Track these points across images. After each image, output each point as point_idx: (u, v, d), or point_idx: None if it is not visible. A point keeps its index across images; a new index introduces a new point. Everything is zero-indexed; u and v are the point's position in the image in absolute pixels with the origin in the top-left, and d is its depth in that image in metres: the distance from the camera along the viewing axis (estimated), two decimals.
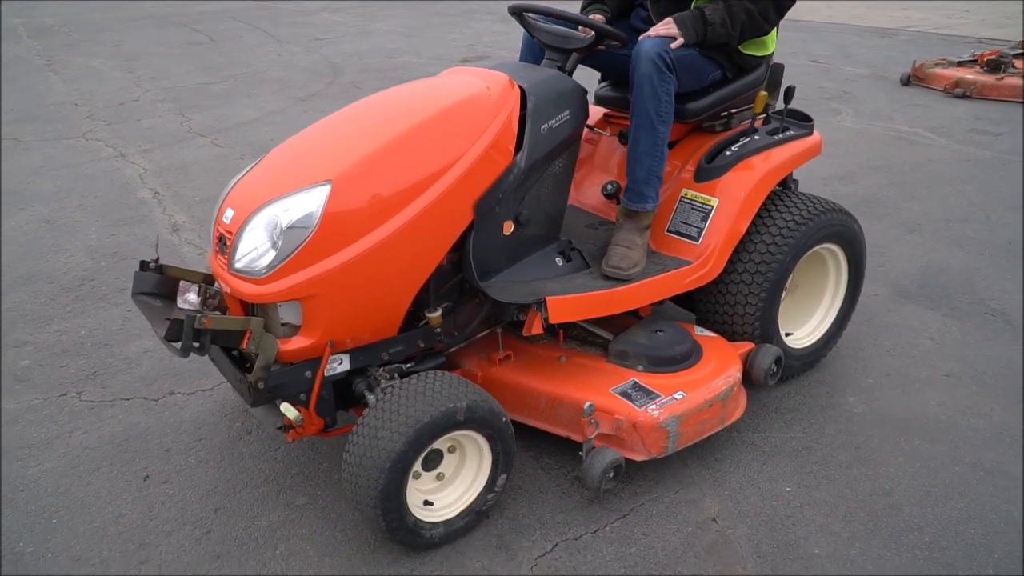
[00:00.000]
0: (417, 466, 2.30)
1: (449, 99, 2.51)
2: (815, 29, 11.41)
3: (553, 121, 2.61)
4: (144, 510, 2.59)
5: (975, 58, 7.89)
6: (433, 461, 2.38)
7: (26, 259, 4.41)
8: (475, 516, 2.45)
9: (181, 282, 2.61)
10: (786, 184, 3.28)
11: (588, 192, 3.24)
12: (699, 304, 3.05)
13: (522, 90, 2.58)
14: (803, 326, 3.27)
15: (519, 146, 2.54)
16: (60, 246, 4.59)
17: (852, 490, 2.63)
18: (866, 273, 3.80)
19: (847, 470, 2.72)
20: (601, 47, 2.83)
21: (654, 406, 2.54)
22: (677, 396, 2.59)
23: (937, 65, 7.88)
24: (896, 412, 3.02)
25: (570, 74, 2.78)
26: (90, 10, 14.47)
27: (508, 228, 2.60)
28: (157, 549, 2.43)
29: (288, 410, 2.31)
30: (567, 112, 2.66)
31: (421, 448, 2.22)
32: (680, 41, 2.76)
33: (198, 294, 2.58)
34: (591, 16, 3.11)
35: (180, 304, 2.54)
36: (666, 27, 2.79)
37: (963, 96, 7.40)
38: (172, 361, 3.41)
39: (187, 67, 9.47)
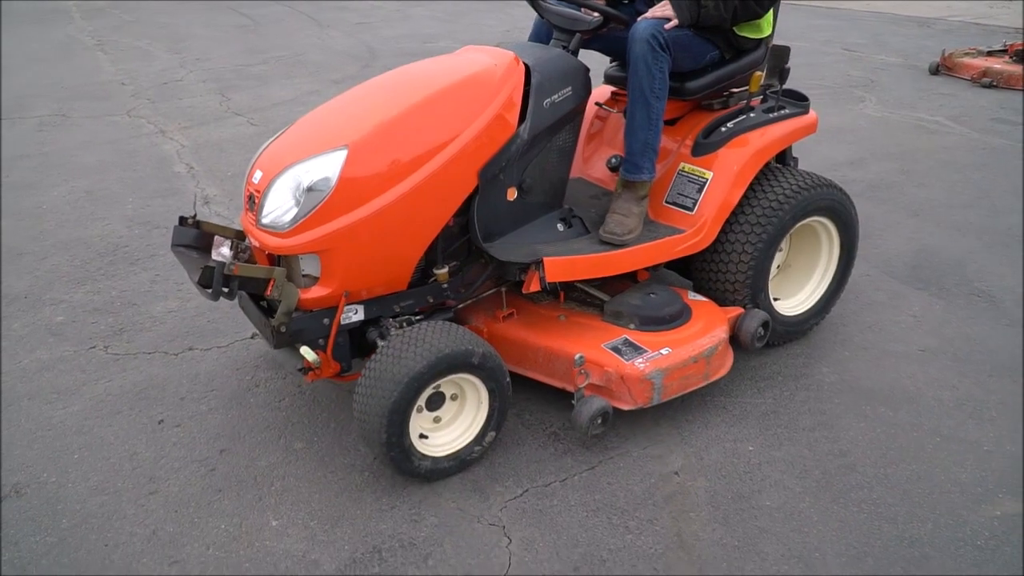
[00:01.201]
0: (422, 400, 2.51)
1: (458, 74, 2.74)
2: (853, 18, 11.36)
3: (556, 96, 2.81)
4: (157, 449, 2.85)
5: (1006, 48, 7.85)
6: (436, 403, 2.60)
7: (66, 226, 4.71)
8: (459, 463, 2.66)
9: (216, 236, 2.89)
10: (785, 161, 3.46)
11: (595, 165, 3.43)
12: (695, 271, 3.23)
13: (527, 67, 2.79)
14: (794, 296, 3.43)
15: (523, 118, 2.73)
16: (98, 215, 4.89)
17: (811, 451, 2.79)
18: (861, 254, 3.97)
19: (809, 433, 2.88)
20: (605, 29, 3.02)
21: (641, 360, 2.74)
22: (663, 352, 2.78)
23: (967, 54, 7.86)
24: (866, 383, 3.16)
25: (574, 54, 2.97)
26: None
27: (512, 194, 2.79)
28: (166, 482, 2.69)
29: (307, 353, 2.55)
30: (569, 88, 2.85)
31: (437, 375, 2.45)
32: (674, 22, 2.94)
33: (231, 248, 2.85)
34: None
35: (214, 256, 2.80)
36: (662, 8, 2.97)
37: (990, 86, 7.39)
38: (193, 320, 3.68)
39: (230, 49, 9.78)
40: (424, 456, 2.57)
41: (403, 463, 2.51)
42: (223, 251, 2.85)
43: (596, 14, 2.96)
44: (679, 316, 2.96)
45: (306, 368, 2.61)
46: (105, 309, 3.79)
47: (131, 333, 3.59)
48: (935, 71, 7.93)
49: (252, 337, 3.50)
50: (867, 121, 6.57)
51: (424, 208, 2.59)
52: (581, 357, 2.70)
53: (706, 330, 2.92)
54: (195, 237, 2.87)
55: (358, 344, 2.75)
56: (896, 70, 8.22)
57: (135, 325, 3.65)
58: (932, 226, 4.59)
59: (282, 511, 2.55)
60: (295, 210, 2.48)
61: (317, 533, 2.47)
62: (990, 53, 7.83)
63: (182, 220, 2.89)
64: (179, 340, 3.53)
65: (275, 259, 2.68)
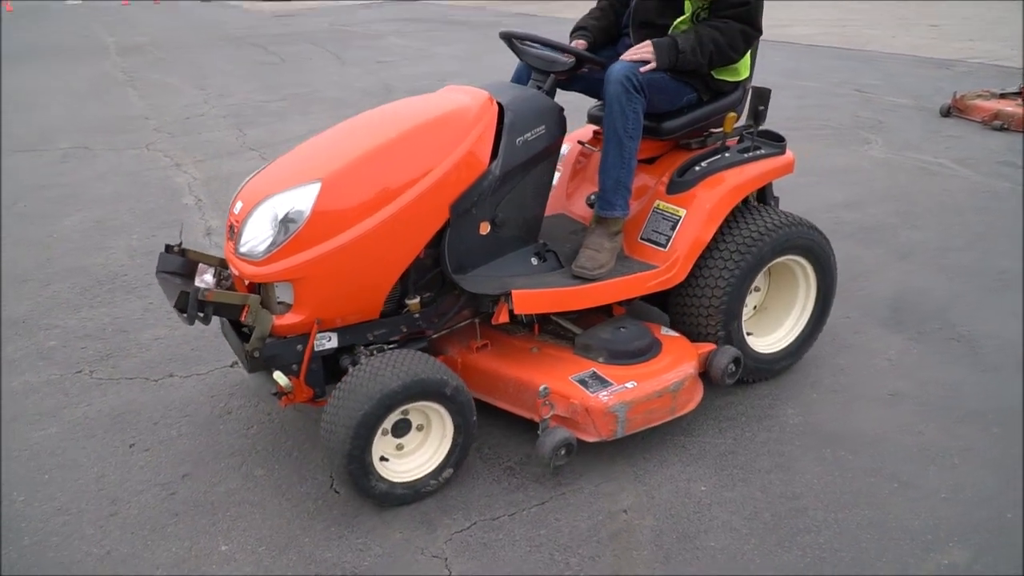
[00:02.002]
0: (390, 422, 2.59)
1: (432, 112, 2.85)
2: (870, 59, 11.33)
3: (529, 135, 2.89)
4: (123, 472, 2.92)
5: (1020, 90, 7.79)
6: (401, 430, 2.66)
7: (72, 254, 4.86)
8: (413, 492, 2.69)
9: (200, 264, 2.98)
10: (766, 200, 3.51)
11: (577, 202, 3.49)
12: (671, 306, 3.26)
13: (501, 106, 2.86)
14: (769, 335, 3.43)
15: (496, 155, 2.81)
16: (105, 244, 5.03)
17: (763, 492, 2.77)
18: (844, 296, 4.03)
19: (765, 474, 2.85)
20: (583, 71, 3.11)
21: (605, 393, 2.77)
22: (628, 385, 2.81)
23: (979, 96, 7.80)
24: (830, 426, 3.11)
25: (550, 94, 3.05)
26: (180, 30, 15.35)
27: (485, 229, 2.87)
28: (127, 504, 2.75)
29: (280, 377, 2.63)
30: (543, 127, 2.93)
31: (410, 398, 2.53)
32: (652, 65, 3.01)
33: (214, 275, 2.94)
34: (575, 42, 3.39)
35: (197, 283, 2.88)
36: (642, 51, 3.04)
37: (1001, 128, 7.33)
38: (178, 348, 3.77)
39: (253, 85, 10.03)
40: (381, 478, 2.60)
41: (360, 479, 2.54)
42: (206, 278, 2.93)
43: (570, 56, 3.02)
44: (648, 350, 2.98)
45: (280, 392, 2.69)
46: (96, 335, 3.89)
47: (117, 359, 3.68)
48: (946, 113, 7.88)
49: (231, 365, 3.58)
50: (870, 163, 6.54)
51: (395, 240, 2.66)
52: (545, 388, 2.74)
53: (674, 365, 2.94)
54: (181, 265, 2.96)
55: (332, 370, 2.81)
56: (907, 112, 8.18)
57: (122, 351, 3.74)
58: (921, 269, 4.55)
59: (233, 536, 2.59)
60: (270, 240, 2.57)
61: (264, 559, 2.50)
62: (1003, 95, 7.76)
63: (168, 248, 2.98)
64: (161, 367, 3.61)
65: (256, 287, 2.77)
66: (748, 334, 3.30)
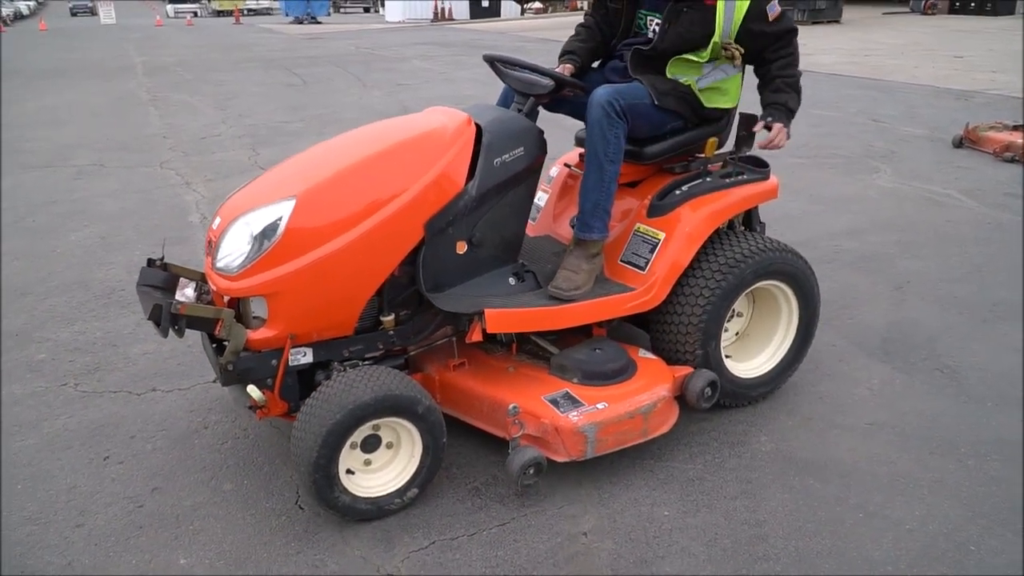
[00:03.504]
0: (360, 436, 2.62)
1: (410, 132, 2.91)
2: (890, 89, 11.29)
3: (507, 156, 2.91)
4: (95, 484, 2.96)
5: None
6: (371, 446, 2.69)
7: (73, 269, 4.96)
8: (376, 509, 2.71)
9: (181, 279, 3.03)
10: (751, 226, 3.52)
11: (563, 224, 3.50)
12: (651, 327, 3.26)
13: (480, 128, 2.89)
14: (749, 361, 3.42)
15: (472, 175, 2.85)
16: (106, 260, 5.14)
17: (727, 519, 2.75)
18: (833, 324, 4.05)
19: (730, 501, 2.83)
20: (566, 94, 3.16)
21: (575, 413, 2.79)
22: (599, 406, 2.82)
23: (991, 128, 7.75)
24: (802, 454, 3.09)
25: (530, 116, 3.09)
26: (209, 51, 15.65)
27: (461, 248, 2.89)
28: (94, 516, 2.79)
29: (253, 391, 2.66)
30: (521, 149, 2.96)
31: (382, 411, 2.57)
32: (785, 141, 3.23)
33: (195, 290, 3.00)
34: (561, 67, 3.44)
35: (178, 297, 2.93)
36: (780, 138, 3.22)
37: (1012, 160, 7.27)
38: (164, 363, 3.83)
39: (273, 106, 10.20)
40: (345, 491, 2.62)
41: (324, 490, 2.57)
42: (187, 292, 2.99)
43: (550, 80, 3.06)
44: (622, 372, 2.99)
45: (254, 406, 2.72)
46: (86, 349, 3.97)
47: (103, 372, 3.75)
48: (958, 144, 7.83)
49: (214, 381, 3.61)
50: (877, 192, 6.52)
51: (369, 257, 2.69)
52: (515, 407, 2.76)
53: (647, 387, 2.94)
54: (162, 279, 2.99)
55: (308, 385, 2.84)
56: (920, 142, 8.14)
57: (109, 365, 3.81)
58: (915, 299, 4.52)
59: (193, 550, 2.62)
60: (244, 255, 2.61)
61: (221, 573, 2.53)
62: (1015, 127, 7.70)
63: (150, 262, 3.04)
64: (145, 381, 3.67)
65: (236, 301, 2.82)
66: (727, 357, 3.31)
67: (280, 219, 2.60)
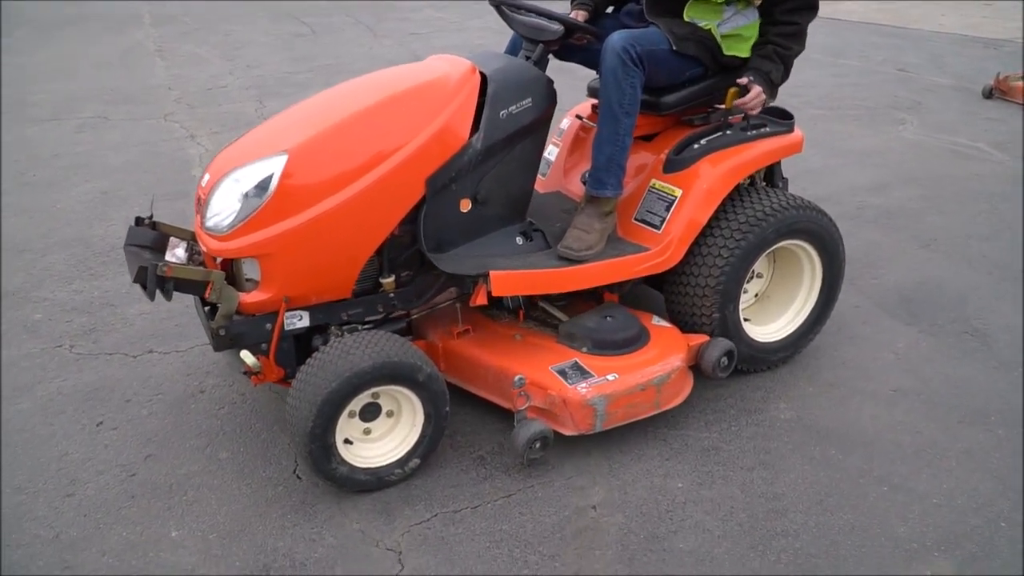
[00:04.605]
0: (358, 404, 2.52)
1: (410, 82, 2.74)
2: (916, 38, 10.91)
3: (514, 107, 2.75)
4: (87, 451, 2.86)
5: None
6: (370, 414, 2.59)
7: (73, 225, 4.83)
8: (376, 480, 2.61)
9: (171, 238, 2.89)
10: (774, 181, 3.36)
11: (574, 180, 3.36)
12: (666, 291, 3.13)
13: (485, 77, 2.72)
14: (769, 324, 3.30)
15: (477, 128, 2.69)
16: (107, 216, 5.00)
17: (743, 492, 2.64)
18: (856, 284, 3.89)
19: (747, 472, 2.72)
20: (577, 41, 2.98)
21: (584, 385, 2.68)
22: (609, 377, 2.72)
23: (1023, 78, 7.44)
24: (823, 422, 2.98)
25: (539, 64, 2.91)
26: (218, 1, 15.29)
27: (465, 206, 2.76)
28: (85, 485, 2.69)
29: (247, 357, 2.58)
30: (529, 99, 2.79)
31: (381, 379, 2.46)
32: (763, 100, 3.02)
33: (186, 250, 2.85)
34: (574, 13, 3.24)
35: (168, 257, 2.78)
36: (756, 100, 3.00)
37: None
38: (161, 323, 3.71)
39: (282, 56, 9.95)
40: (343, 461, 2.53)
41: (321, 461, 2.47)
42: (178, 252, 2.84)
43: (560, 25, 2.88)
44: (634, 341, 2.88)
45: (249, 372, 2.63)
46: (83, 308, 3.85)
47: (99, 333, 3.63)
48: (988, 95, 7.54)
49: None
50: (902, 145, 6.28)
51: (366, 216, 2.57)
52: (521, 379, 2.64)
53: (660, 357, 2.83)
54: (151, 238, 2.87)
55: (305, 350, 2.73)
56: (946, 92, 7.84)
57: (106, 326, 3.70)
58: (941, 258, 4.34)
59: (186, 522, 2.53)
60: (235, 214, 2.50)
61: (213, 547, 2.43)
62: None
63: (138, 220, 2.90)
64: (142, 342, 3.55)
65: (228, 263, 2.70)
66: (746, 320, 3.19)
67: (272, 175, 2.48)
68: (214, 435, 2.93)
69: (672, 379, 2.79)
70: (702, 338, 2.98)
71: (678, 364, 2.82)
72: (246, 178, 2.52)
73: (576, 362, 2.78)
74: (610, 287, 3.05)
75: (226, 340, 2.57)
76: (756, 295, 3.39)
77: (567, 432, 2.68)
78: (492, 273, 2.69)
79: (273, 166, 2.48)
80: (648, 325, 2.99)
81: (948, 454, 2.81)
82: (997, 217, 4.87)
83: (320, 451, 2.46)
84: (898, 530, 2.48)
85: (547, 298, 3.09)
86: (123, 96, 7.98)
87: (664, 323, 3.05)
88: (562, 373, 2.73)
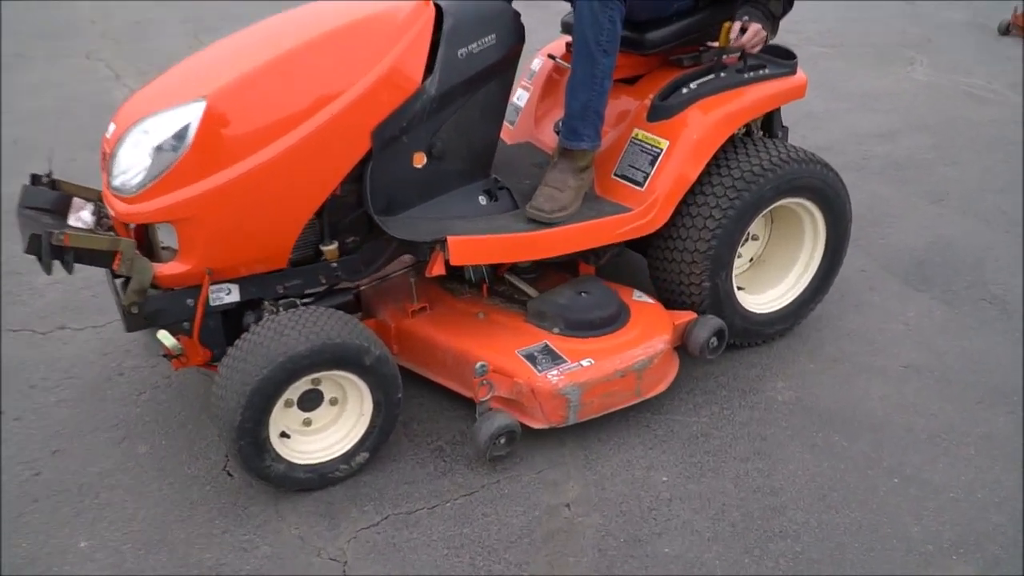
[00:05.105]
0: (296, 392, 2.40)
1: (350, 16, 2.56)
2: None
3: (474, 45, 2.60)
4: None
5: None
6: (311, 403, 2.47)
7: None
8: (318, 478, 2.50)
9: (74, 199, 2.69)
10: (772, 131, 3.25)
11: (546, 129, 3.22)
12: (650, 256, 3.03)
13: (440, 10, 2.58)
14: (765, 292, 3.22)
15: (431, 70, 2.55)
16: (16, 168, 4.74)
17: (736, 486, 2.55)
18: (863, 245, 3.82)
19: (740, 463, 2.64)
20: None
21: (556, 372, 2.58)
22: (584, 363, 2.62)
23: None
24: (826, 404, 2.90)
25: None
26: None
27: (419, 161, 2.63)
28: None
29: (165, 338, 2.43)
30: (492, 36, 2.64)
31: (320, 364, 2.33)
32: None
33: (93, 213, 2.65)
34: None
35: (72, 222, 2.60)
36: (757, 38, 2.82)
37: None
38: (76, 294, 3.51)
39: None
40: (279, 458, 2.41)
41: (252, 459, 2.35)
42: (84, 216, 2.64)
43: None
44: (613, 320, 2.78)
45: (169, 355, 2.48)
46: None
47: (4, 307, 3.43)
48: (1005, 31, 7.40)
49: None
50: (911, 86, 6.16)
51: (301, 173, 2.43)
52: (483, 366, 2.52)
53: (642, 339, 2.74)
54: (52, 199, 2.67)
55: (236, 329, 2.59)
56: (960, 29, 7.71)
57: (11, 298, 3.50)
58: (955, 214, 4.24)
59: (97, 530, 2.39)
60: (145, 171, 2.34)
61: (127, 559, 2.30)
62: None
63: (34, 178, 2.70)
64: (53, 317, 3.37)
65: (142, 229, 2.54)
66: (739, 289, 3.09)
67: (188, 125, 2.31)
68: (132, 425, 2.78)
69: (655, 364, 2.70)
70: (689, 316, 2.89)
71: (662, 347, 2.72)
72: (157, 128, 2.34)
73: (546, 345, 2.68)
74: (586, 256, 2.97)
75: (140, 319, 2.42)
76: (751, 260, 3.29)
77: (536, 425, 2.59)
78: (450, 239, 2.55)
79: (189, 114, 2.31)
80: (628, 301, 2.89)
81: (966, 440, 2.73)
82: (1015, 168, 4.76)
83: (251, 448, 2.32)
84: (911, 529, 2.40)
85: (515, 270, 3.00)
86: (41, 31, 7.64)
87: (647, 298, 2.95)
88: (530, 358, 2.63)
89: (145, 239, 2.56)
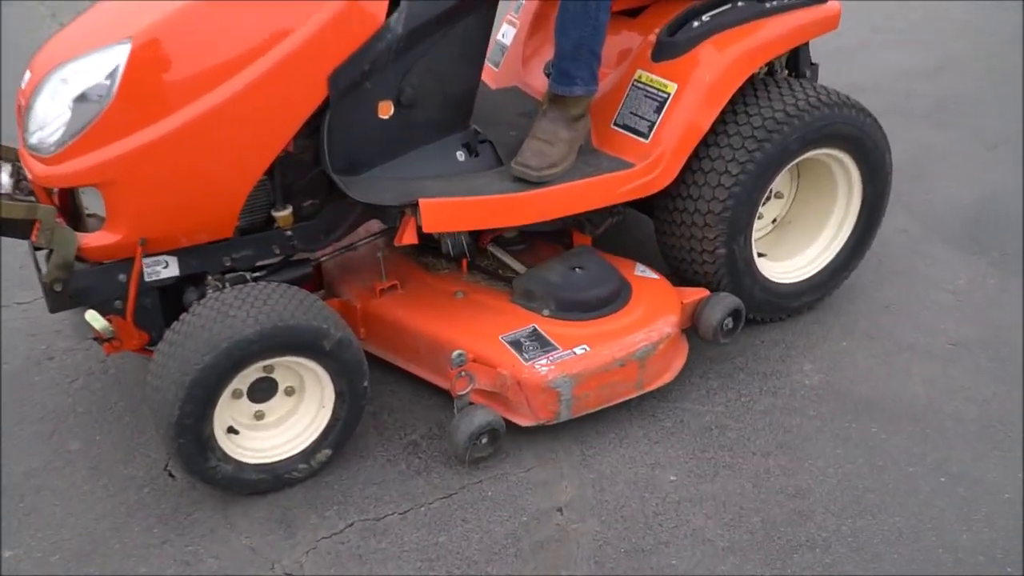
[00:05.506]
0: (244, 381, 2.35)
1: None
2: None
3: None
4: None
5: None
6: (263, 393, 2.43)
7: None
8: (272, 479, 2.45)
9: None
10: (799, 70, 3.20)
11: (535, 71, 3.19)
12: (656, 220, 3.00)
13: None
14: (790, 258, 3.19)
15: (396, 4, 2.49)
16: None
17: (756, 486, 2.49)
18: (905, 200, 3.79)
19: (761, 459, 2.59)
20: None
21: (545, 361, 2.54)
22: (577, 351, 2.59)
23: None
24: (860, 388, 2.86)
25: None
26: None
27: (386, 110, 2.57)
28: None
29: (94, 319, 2.38)
30: None
31: (271, 351, 2.27)
32: None
33: (11, 175, 2.59)
34: None
35: None
36: None
37: None
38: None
39: None
40: (226, 457, 2.35)
41: (194, 459, 2.28)
42: (2, 179, 2.59)
43: None
44: (611, 300, 2.75)
45: (99, 338, 2.43)
46: None
47: None
48: None
49: None
50: (962, 12, 6.12)
51: (248, 126, 2.36)
52: (461, 355, 2.47)
53: (645, 321, 2.70)
54: None
55: (177, 308, 2.53)
56: None
57: None
58: (1013, 165, 4.16)
59: (22, 539, 2.34)
60: (64, 126, 2.28)
61: (56, 572, 2.26)
62: None
63: None
64: None
65: (66, 194, 2.50)
66: (760, 256, 3.05)
67: (112, 72, 2.22)
68: (63, 418, 2.74)
69: (660, 350, 2.65)
70: (700, 293, 2.86)
71: (668, 331, 2.68)
72: (77, 76, 2.27)
73: (535, 329, 2.65)
74: (581, 224, 2.93)
75: (65, 298, 2.37)
76: (774, 221, 3.26)
77: (523, 423, 2.56)
78: (423, 201, 2.50)
79: (113, 58, 2.23)
80: (630, 277, 2.85)
81: None
82: None
83: (192, 446, 2.26)
84: (959, 537, 2.33)
85: (500, 241, 2.96)
86: None
87: (651, 273, 2.92)
88: (516, 345, 2.59)
89: (71, 205, 2.51)
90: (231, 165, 2.39)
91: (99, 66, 2.24)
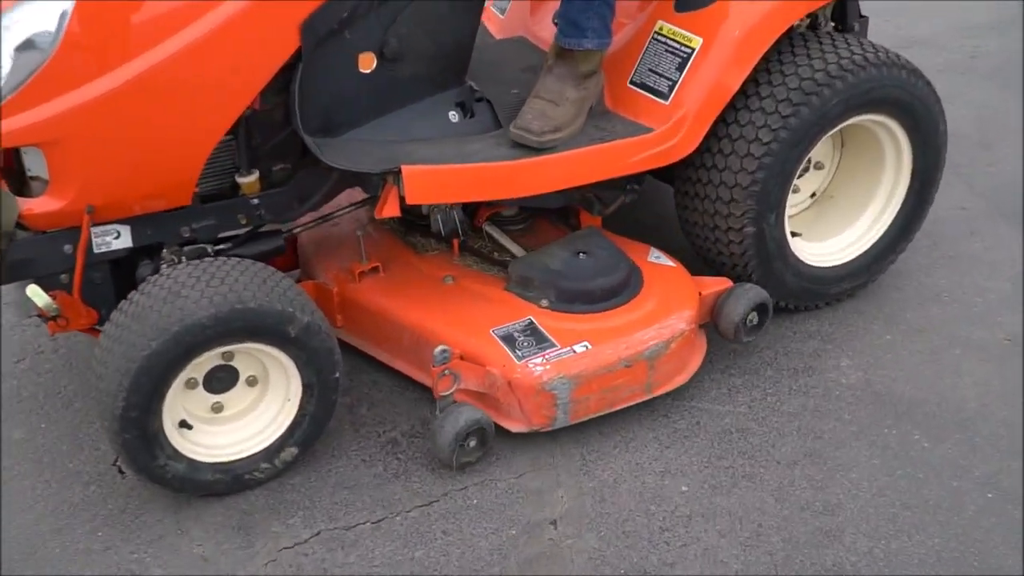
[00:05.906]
0: (199, 370, 2.35)
1: None
2: None
3: None
4: None
5: None
6: (222, 383, 2.43)
7: None
8: (231, 480, 2.45)
9: None
10: (846, 23, 3.17)
11: (544, 20, 3.19)
12: (677, 189, 2.97)
13: None
14: (830, 239, 3.18)
15: None
16: None
17: (778, 500, 2.47)
18: (963, 173, 3.79)
19: (786, 469, 2.56)
20: None
21: (540, 359, 2.54)
22: (577, 349, 2.58)
23: None
24: (903, 389, 2.83)
25: None
26: None
27: (367, 64, 2.57)
28: None
29: (36, 295, 2.38)
30: None
31: (229, 336, 2.26)
32: None
33: None
34: None
35: None
36: None
37: None
38: None
39: None
40: (177, 455, 2.34)
41: (140, 455, 2.27)
42: None
43: None
44: (619, 291, 2.73)
45: (43, 316, 2.44)
46: None
47: None
48: None
49: None
50: None
51: (209, 79, 2.36)
52: (445, 351, 2.46)
53: (657, 316, 2.69)
54: None
55: (129, 284, 2.55)
56: None
57: None
58: None
59: None
60: (3, 80, 2.28)
61: None
62: None
63: None
64: None
65: (12, 153, 2.48)
66: (795, 235, 3.02)
67: (53, 19, 2.22)
68: (6, 402, 2.77)
69: (673, 349, 2.64)
70: (721, 283, 2.84)
71: (682, 327, 2.67)
72: (19, 23, 2.27)
73: (531, 322, 2.64)
74: (588, 202, 2.91)
75: (7, 271, 2.38)
76: (812, 196, 3.24)
77: (514, 428, 2.56)
78: (406, 169, 2.48)
79: (55, 7, 2.23)
80: (642, 264, 2.84)
81: None
82: None
83: (138, 442, 2.24)
84: (1006, 562, 2.29)
85: (497, 219, 2.95)
86: None
87: (667, 260, 2.90)
88: (508, 340, 2.58)
89: (15, 166, 2.51)
90: (189, 123, 2.38)
91: (43, 11, 2.25)
